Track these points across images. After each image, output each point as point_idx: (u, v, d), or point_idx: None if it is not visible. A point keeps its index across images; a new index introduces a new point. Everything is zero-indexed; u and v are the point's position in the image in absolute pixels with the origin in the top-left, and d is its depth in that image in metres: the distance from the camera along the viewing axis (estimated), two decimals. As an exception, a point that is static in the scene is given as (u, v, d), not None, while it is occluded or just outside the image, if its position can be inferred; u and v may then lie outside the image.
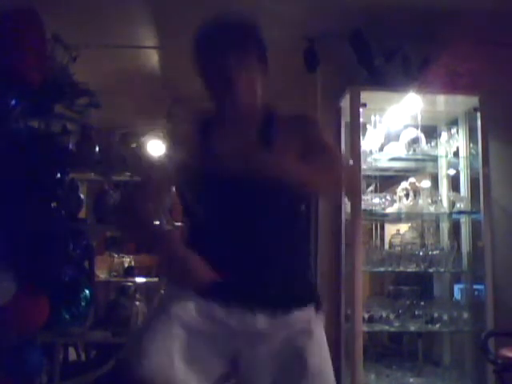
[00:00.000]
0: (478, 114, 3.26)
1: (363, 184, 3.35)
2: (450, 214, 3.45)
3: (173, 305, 1.41)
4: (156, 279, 5.09)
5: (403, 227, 3.83)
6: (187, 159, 1.51)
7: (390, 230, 3.92)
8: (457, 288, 3.55)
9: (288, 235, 1.52)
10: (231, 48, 1.47)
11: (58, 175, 2.72)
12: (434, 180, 3.65)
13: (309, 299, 1.51)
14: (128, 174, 3.65)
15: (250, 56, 1.51)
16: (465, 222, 3.45)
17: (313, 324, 1.48)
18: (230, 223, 1.46)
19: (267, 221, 1.48)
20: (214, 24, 1.52)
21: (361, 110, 3.22)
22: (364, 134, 3.35)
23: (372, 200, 3.37)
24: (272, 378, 1.44)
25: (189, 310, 1.41)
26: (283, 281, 1.46)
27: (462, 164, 3.46)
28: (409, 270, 3.28)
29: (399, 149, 3.39)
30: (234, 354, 1.44)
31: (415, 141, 3.37)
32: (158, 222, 1.63)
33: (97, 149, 3.27)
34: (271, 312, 1.43)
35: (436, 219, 3.57)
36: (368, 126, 3.39)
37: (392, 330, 3.23)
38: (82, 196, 3.43)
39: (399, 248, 3.46)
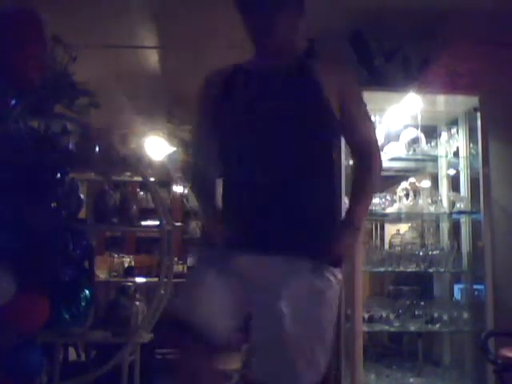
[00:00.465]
0: (478, 114, 3.26)
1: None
2: (450, 214, 3.45)
3: (206, 262, 1.62)
4: (156, 279, 5.09)
5: (403, 227, 3.83)
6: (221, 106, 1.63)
7: (390, 229, 3.92)
8: (457, 288, 3.55)
9: (315, 189, 1.59)
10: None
11: (58, 175, 2.72)
12: (434, 180, 3.65)
13: (323, 252, 1.58)
14: (128, 173, 3.66)
15: (286, 4, 1.63)
16: (465, 222, 3.45)
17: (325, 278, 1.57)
18: (257, 174, 1.56)
19: (293, 171, 1.57)
20: None
21: (361, 110, 3.21)
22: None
23: (372, 200, 3.37)
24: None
25: (218, 261, 1.56)
26: (302, 229, 1.56)
27: (462, 164, 3.46)
28: (409, 270, 3.29)
29: (399, 149, 3.39)
30: (252, 296, 1.55)
31: (415, 141, 3.37)
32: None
33: (97, 149, 3.27)
34: (286, 256, 1.53)
35: (436, 219, 3.57)
36: (368, 125, 3.39)
37: (392, 330, 3.23)
38: (82, 196, 3.43)
39: (399, 248, 3.46)
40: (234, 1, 1.67)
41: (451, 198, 3.50)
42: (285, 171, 1.57)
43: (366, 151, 1.71)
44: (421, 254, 3.31)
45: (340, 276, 1.62)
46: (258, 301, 1.55)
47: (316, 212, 1.60)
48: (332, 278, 1.59)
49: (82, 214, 3.59)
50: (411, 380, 3.20)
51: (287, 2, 1.63)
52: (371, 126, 1.82)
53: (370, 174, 1.71)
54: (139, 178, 3.63)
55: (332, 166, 1.67)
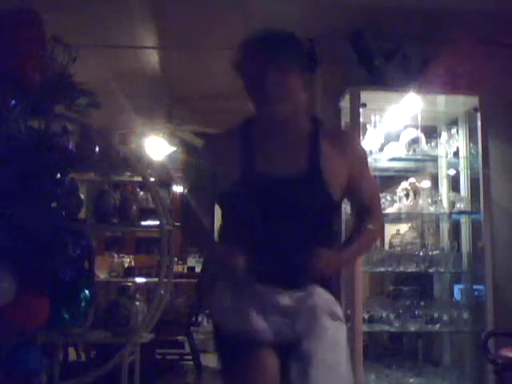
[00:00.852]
0: (478, 114, 3.26)
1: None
2: (450, 214, 3.45)
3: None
4: (156, 279, 5.09)
5: (403, 227, 3.83)
6: (230, 172, 1.63)
7: (390, 230, 3.92)
8: (457, 288, 3.55)
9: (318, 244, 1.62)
10: (272, 61, 1.59)
11: (58, 175, 2.71)
12: (434, 180, 3.66)
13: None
14: (128, 173, 3.65)
15: (290, 69, 1.64)
16: (465, 222, 3.45)
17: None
18: (269, 236, 1.59)
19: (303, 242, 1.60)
20: (259, 38, 1.64)
21: (361, 110, 3.22)
22: (364, 134, 3.35)
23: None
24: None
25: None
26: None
27: (462, 164, 3.46)
28: (409, 270, 3.29)
29: (399, 149, 3.39)
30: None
31: (415, 141, 3.37)
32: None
33: (97, 149, 3.27)
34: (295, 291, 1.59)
35: (436, 219, 3.57)
36: (368, 126, 3.39)
37: (392, 330, 3.23)
38: (81, 196, 3.43)
39: (399, 248, 3.46)
40: (234, 66, 1.66)
41: (451, 198, 3.50)
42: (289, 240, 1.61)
43: (372, 216, 1.75)
44: (421, 254, 3.31)
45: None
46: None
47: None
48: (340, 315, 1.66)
49: (82, 214, 3.60)
50: (411, 380, 3.20)
51: (299, 66, 1.67)
52: (377, 192, 1.89)
53: (372, 235, 1.79)
54: (139, 178, 3.63)
55: (331, 234, 1.72)
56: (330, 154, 1.64)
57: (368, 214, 1.75)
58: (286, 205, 1.60)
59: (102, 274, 5.08)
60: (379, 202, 1.87)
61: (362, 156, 1.78)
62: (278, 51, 1.61)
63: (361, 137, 3.24)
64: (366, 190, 1.74)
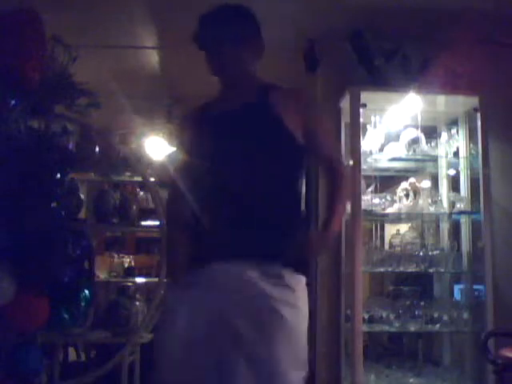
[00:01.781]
0: (478, 114, 3.26)
1: (363, 184, 3.35)
2: (450, 214, 3.45)
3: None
4: (156, 279, 5.08)
5: (403, 227, 3.83)
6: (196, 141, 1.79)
7: (390, 230, 3.92)
8: (457, 288, 3.55)
9: (277, 203, 1.72)
10: (227, 37, 1.77)
11: (58, 175, 2.71)
12: (434, 180, 3.65)
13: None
14: (128, 173, 3.65)
15: (244, 41, 1.80)
16: (465, 222, 3.45)
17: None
18: (227, 192, 1.69)
19: (260, 186, 1.70)
20: (213, 15, 1.83)
21: (361, 110, 3.22)
22: (364, 135, 3.35)
23: (372, 200, 3.36)
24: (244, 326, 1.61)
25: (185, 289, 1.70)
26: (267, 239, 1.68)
27: (462, 164, 3.46)
28: (409, 270, 3.28)
29: (399, 149, 3.39)
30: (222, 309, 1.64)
31: (415, 141, 3.37)
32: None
33: (97, 149, 3.27)
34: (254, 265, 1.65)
35: (436, 219, 3.57)
36: (368, 126, 3.39)
37: (392, 330, 3.23)
38: (81, 196, 3.43)
39: (399, 248, 3.46)
40: (193, 38, 1.85)
41: (451, 198, 3.50)
42: (251, 191, 1.70)
43: (332, 170, 1.86)
44: (421, 254, 3.31)
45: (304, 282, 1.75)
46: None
47: (279, 220, 1.72)
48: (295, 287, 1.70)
49: (82, 214, 3.60)
50: (411, 380, 3.20)
51: (233, 38, 1.78)
52: (333, 145, 1.98)
53: (339, 189, 1.85)
54: (139, 178, 3.63)
55: (295, 182, 1.80)
56: (281, 107, 1.74)
57: (330, 170, 1.85)
58: (244, 145, 1.70)
59: (102, 274, 5.07)
60: (337, 153, 1.97)
61: (315, 108, 1.89)
62: (226, 26, 1.79)
63: (361, 137, 3.24)
64: (323, 142, 1.85)
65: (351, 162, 3.23)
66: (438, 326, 3.21)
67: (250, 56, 1.82)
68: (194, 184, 1.79)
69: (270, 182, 1.71)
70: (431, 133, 3.53)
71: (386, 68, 3.29)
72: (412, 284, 3.54)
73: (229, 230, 1.67)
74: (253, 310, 1.62)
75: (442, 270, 3.33)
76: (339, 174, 1.84)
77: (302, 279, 1.74)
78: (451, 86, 3.25)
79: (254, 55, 1.84)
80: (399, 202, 3.43)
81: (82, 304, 2.91)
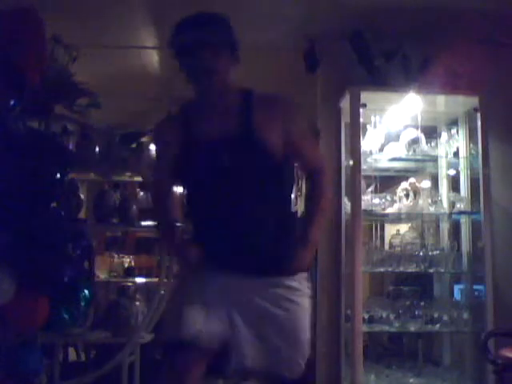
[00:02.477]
0: (478, 114, 3.26)
1: (363, 184, 3.35)
2: (450, 214, 3.45)
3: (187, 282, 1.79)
4: (156, 279, 5.08)
5: (403, 227, 3.83)
6: (177, 151, 1.79)
7: (390, 230, 3.92)
8: (457, 288, 3.55)
9: (273, 216, 1.76)
10: (205, 43, 1.75)
11: (58, 175, 2.71)
12: (434, 180, 3.65)
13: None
14: (128, 173, 3.66)
15: (222, 48, 1.77)
16: (465, 222, 3.45)
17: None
18: (222, 207, 1.74)
19: (254, 202, 1.74)
20: (191, 22, 1.81)
21: (361, 110, 3.21)
22: (364, 135, 3.35)
23: (372, 200, 3.36)
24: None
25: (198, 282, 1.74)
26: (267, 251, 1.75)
27: (462, 164, 3.46)
28: (409, 270, 3.28)
29: (399, 149, 3.38)
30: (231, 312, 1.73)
31: (415, 141, 3.37)
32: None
33: (97, 149, 3.27)
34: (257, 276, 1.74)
35: (436, 219, 3.56)
36: (368, 126, 3.39)
37: (392, 330, 3.23)
38: (81, 196, 3.43)
39: (399, 248, 3.45)
40: (170, 44, 1.86)
41: (451, 199, 3.50)
42: (244, 217, 1.74)
43: (312, 181, 1.91)
44: (421, 254, 3.31)
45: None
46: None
47: (273, 232, 1.77)
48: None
49: (82, 214, 3.60)
50: (411, 380, 3.20)
51: (213, 42, 1.76)
52: (315, 154, 1.98)
53: (318, 202, 1.88)
54: (139, 178, 3.63)
55: (281, 190, 1.84)
56: (262, 117, 1.75)
57: (311, 181, 1.90)
58: (227, 169, 1.72)
59: (102, 274, 5.07)
60: (319, 160, 1.96)
61: (296, 117, 1.87)
62: (204, 32, 1.76)
63: (361, 137, 3.24)
64: (304, 154, 1.88)
65: (351, 162, 3.23)
66: (437, 326, 3.20)
67: (227, 63, 1.81)
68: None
69: (263, 206, 1.75)
70: (431, 133, 3.53)
71: (386, 68, 3.29)
72: (412, 284, 3.54)
73: (229, 252, 1.74)
74: (273, 296, 1.74)
75: (442, 270, 3.33)
76: (319, 185, 1.89)
77: (304, 274, 1.84)
78: (451, 86, 3.25)
79: (231, 62, 1.82)
80: (399, 202, 3.43)
81: (82, 304, 2.91)
